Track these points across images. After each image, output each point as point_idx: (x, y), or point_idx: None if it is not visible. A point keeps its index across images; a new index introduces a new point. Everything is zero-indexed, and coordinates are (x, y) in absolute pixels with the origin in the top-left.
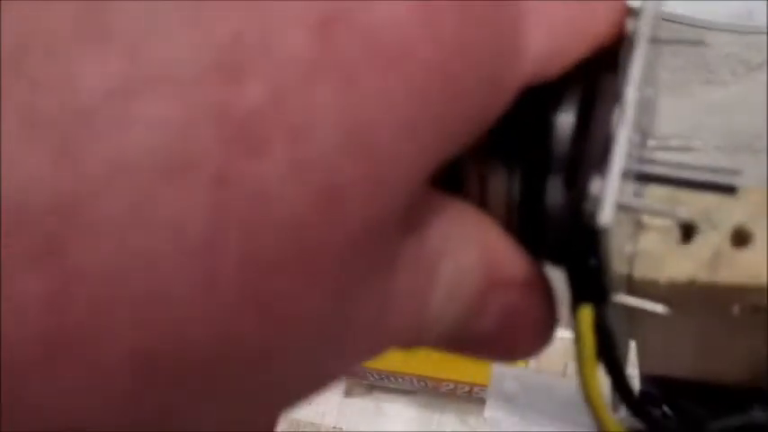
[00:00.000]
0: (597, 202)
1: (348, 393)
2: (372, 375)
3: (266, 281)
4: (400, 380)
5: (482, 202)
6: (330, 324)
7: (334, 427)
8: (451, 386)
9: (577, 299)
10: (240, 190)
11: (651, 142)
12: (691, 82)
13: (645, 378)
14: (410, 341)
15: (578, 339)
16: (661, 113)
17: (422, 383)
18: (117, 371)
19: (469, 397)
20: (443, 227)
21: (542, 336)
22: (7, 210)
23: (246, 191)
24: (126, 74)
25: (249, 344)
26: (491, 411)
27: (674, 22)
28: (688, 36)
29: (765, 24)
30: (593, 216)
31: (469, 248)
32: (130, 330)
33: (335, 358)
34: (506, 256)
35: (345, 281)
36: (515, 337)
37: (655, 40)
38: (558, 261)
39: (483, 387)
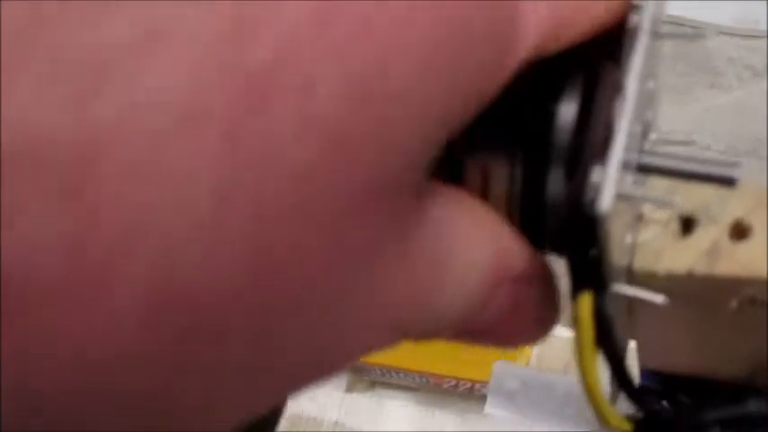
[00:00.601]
0: (597, 190)
1: (349, 389)
2: (374, 371)
3: (278, 232)
4: (402, 376)
5: (483, 194)
6: (339, 289)
7: (336, 423)
8: (453, 383)
9: (577, 287)
10: (250, 142)
11: (653, 135)
12: (696, 86)
13: (644, 373)
14: (421, 332)
15: (578, 327)
16: (665, 117)
17: (423, 380)
18: (132, 312)
19: (470, 394)
20: (457, 221)
21: (544, 326)
22: (29, 152)
23: (256, 143)
24: (140, 31)
25: (260, 296)
26: (491, 408)
27: (679, 24)
28: (688, 31)
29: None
30: (592, 204)
31: (481, 243)
32: (145, 273)
33: (344, 334)
34: (515, 250)
35: (354, 240)
36: (518, 327)
37: (656, 34)
38: (558, 250)
39: (484, 384)
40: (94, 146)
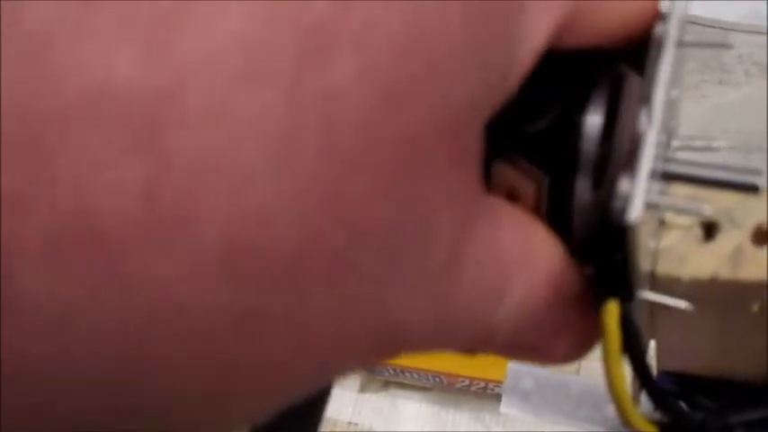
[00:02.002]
0: (626, 199)
1: (363, 389)
2: (388, 371)
3: (342, 178)
4: (415, 376)
5: (510, 202)
6: (400, 242)
7: (350, 423)
8: (466, 383)
9: (604, 295)
10: (313, 90)
11: (675, 142)
12: (704, 83)
13: (661, 375)
14: (473, 345)
15: (604, 334)
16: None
17: (437, 380)
18: (208, 257)
19: (484, 394)
20: (524, 241)
21: (588, 343)
22: (106, 99)
23: (319, 91)
24: None
25: (327, 244)
26: (506, 408)
27: (692, 23)
28: (712, 38)
29: None
30: (621, 213)
31: (545, 265)
32: (219, 217)
33: (403, 295)
34: (570, 273)
35: (413, 195)
36: (564, 344)
37: (681, 43)
38: (584, 258)
39: (497, 384)
40: (167, 92)
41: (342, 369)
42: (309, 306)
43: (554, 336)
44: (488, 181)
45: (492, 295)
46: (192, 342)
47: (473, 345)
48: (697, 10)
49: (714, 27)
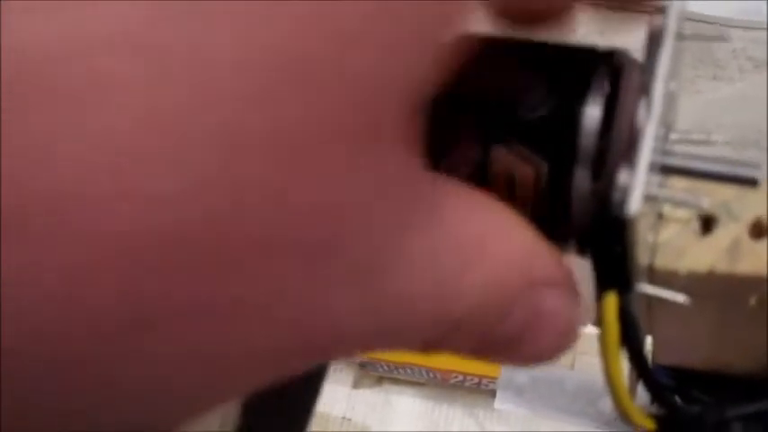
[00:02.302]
0: (625, 192)
1: (356, 385)
2: (381, 367)
3: (242, 160)
4: (409, 371)
5: (509, 193)
6: (321, 233)
7: (343, 419)
8: (460, 378)
9: (603, 287)
10: (195, 59)
11: (673, 135)
12: (699, 78)
13: (657, 369)
14: (431, 340)
15: (603, 327)
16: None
17: (431, 375)
18: (97, 247)
19: (478, 389)
20: (485, 219)
21: (566, 338)
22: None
23: (202, 60)
24: None
25: (235, 235)
26: (501, 403)
27: (689, 19)
28: (709, 31)
29: None
30: (621, 205)
31: (510, 243)
32: (107, 201)
33: (330, 292)
34: (542, 254)
35: (329, 181)
36: (540, 339)
37: (679, 36)
38: (583, 251)
39: (491, 379)
40: (48, 61)
41: (268, 375)
42: (216, 306)
43: (530, 326)
44: (487, 168)
45: (444, 286)
46: (82, 341)
47: (434, 343)
48: (692, 5)
49: (708, 23)
